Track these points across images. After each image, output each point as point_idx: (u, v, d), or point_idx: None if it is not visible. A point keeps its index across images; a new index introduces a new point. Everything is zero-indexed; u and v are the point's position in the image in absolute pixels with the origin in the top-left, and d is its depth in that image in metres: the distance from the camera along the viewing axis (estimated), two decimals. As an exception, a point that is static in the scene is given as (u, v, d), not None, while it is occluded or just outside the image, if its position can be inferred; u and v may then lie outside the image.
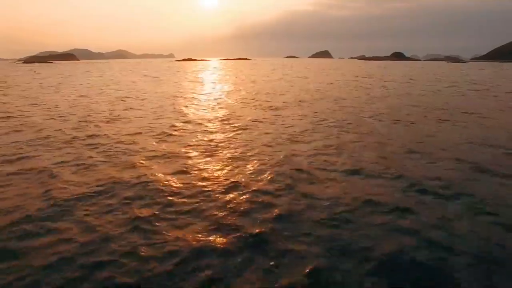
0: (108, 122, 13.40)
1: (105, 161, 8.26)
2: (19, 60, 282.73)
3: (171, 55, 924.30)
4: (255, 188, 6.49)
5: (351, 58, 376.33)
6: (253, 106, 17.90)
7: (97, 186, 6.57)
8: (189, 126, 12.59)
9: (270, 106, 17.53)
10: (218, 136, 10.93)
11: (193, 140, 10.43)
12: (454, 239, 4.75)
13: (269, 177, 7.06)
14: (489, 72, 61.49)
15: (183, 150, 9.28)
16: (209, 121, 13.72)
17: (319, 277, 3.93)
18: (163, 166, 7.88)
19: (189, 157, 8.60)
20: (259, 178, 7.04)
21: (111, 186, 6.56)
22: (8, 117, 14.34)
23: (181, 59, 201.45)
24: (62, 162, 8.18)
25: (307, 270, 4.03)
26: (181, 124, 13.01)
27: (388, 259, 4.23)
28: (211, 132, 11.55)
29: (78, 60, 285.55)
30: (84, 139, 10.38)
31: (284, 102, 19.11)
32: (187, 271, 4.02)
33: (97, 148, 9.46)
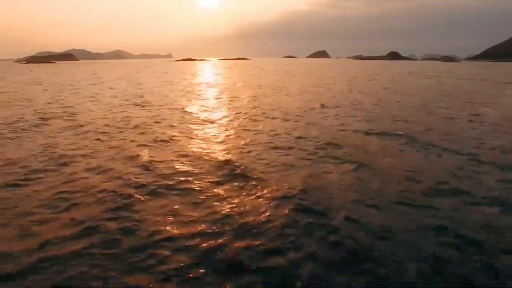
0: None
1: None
2: (18, 60, 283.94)
3: (169, 55, 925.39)
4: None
5: (348, 58, 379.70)
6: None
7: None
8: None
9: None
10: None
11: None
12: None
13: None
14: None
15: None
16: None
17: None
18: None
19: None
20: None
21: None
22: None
23: (181, 59, 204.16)
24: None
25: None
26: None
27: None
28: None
29: (77, 60, 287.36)
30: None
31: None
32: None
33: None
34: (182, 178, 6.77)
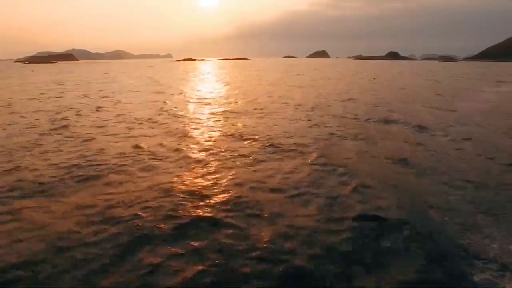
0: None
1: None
2: (18, 60, 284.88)
3: (168, 55, 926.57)
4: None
5: (348, 57, 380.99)
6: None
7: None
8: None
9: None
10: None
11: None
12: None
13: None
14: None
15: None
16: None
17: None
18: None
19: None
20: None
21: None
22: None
23: (181, 59, 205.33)
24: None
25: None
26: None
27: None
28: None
29: (77, 60, 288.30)
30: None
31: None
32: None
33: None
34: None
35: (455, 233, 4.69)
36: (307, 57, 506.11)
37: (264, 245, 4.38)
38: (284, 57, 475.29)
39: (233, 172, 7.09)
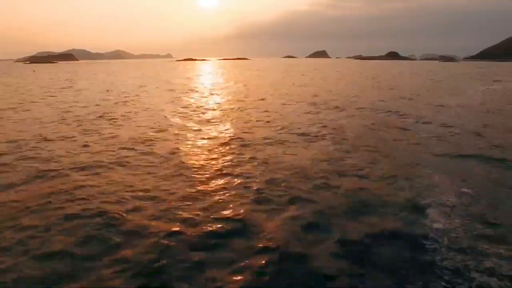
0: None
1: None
2: (18, 60, 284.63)
3: (168, 55, 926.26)
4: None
5: (348, 58, 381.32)
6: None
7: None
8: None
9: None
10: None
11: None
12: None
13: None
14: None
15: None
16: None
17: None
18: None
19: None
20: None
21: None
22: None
23: (182, 59, 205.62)
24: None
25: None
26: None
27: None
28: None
29: (77, 60, 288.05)
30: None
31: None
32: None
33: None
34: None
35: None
36: (307, 57, 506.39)
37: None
38: (284, 57, 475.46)
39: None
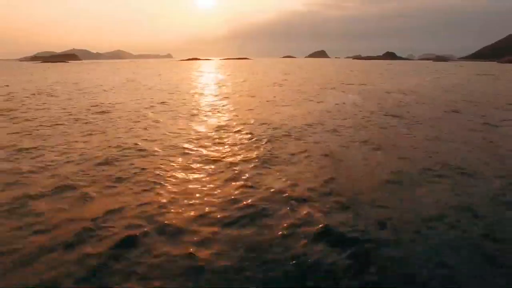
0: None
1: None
2: (21, 59, 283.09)
3: (168, 55, 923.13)
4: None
5: (347, 57, 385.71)
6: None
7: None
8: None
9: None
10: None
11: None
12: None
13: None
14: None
15: None
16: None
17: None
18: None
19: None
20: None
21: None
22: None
23: (185, 58, 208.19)
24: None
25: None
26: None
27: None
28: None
29: (81, 60, 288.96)
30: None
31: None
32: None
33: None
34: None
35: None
36: (306, 57, 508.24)
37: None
38: (283, 57, 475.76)
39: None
